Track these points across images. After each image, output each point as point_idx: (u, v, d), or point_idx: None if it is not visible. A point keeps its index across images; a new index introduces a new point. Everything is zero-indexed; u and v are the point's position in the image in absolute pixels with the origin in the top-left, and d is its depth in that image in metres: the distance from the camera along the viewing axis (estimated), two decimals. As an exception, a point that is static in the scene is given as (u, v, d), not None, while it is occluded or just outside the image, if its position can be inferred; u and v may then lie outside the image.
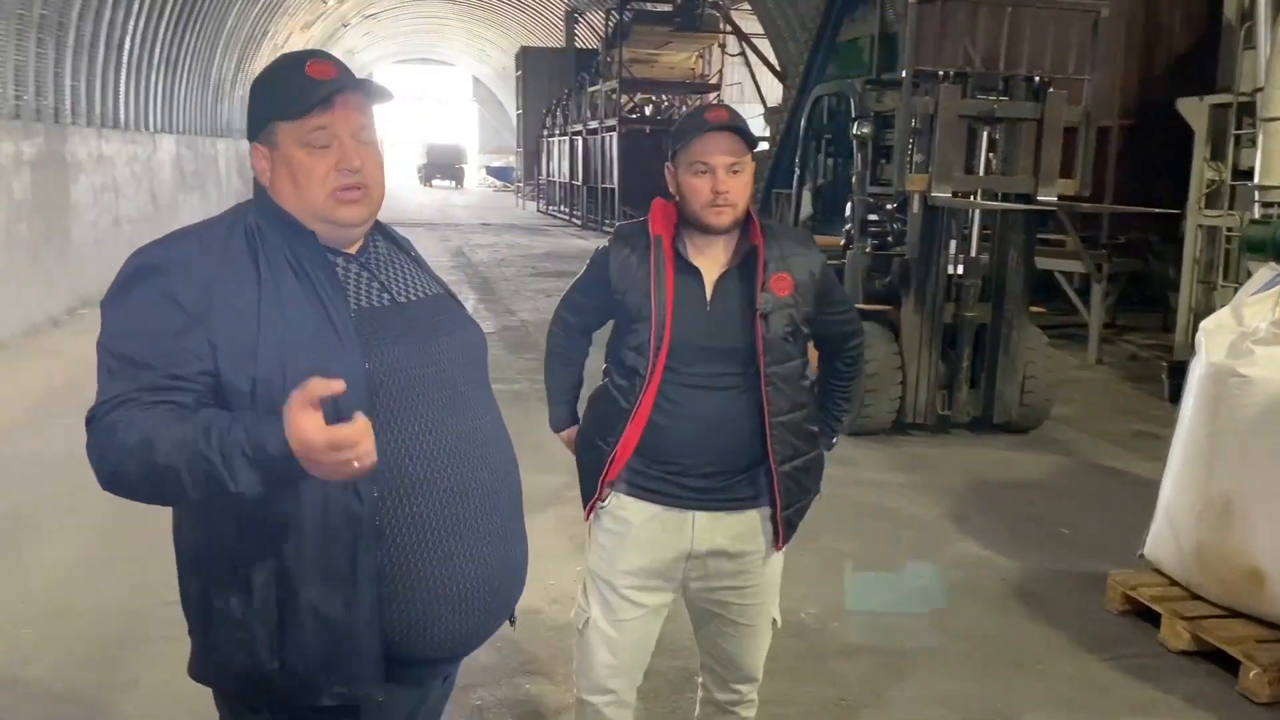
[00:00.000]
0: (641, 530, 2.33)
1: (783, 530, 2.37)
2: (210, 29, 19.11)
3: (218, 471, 1.42)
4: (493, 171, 46.31)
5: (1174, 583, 3.95)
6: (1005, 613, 4.20)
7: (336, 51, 39.01)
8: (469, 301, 11.84)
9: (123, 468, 1.48)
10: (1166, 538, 3.98)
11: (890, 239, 6.94)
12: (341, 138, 1.64)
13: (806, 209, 9.55)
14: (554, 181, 29.13)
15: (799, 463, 2.34)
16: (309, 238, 1.65)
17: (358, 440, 1.40)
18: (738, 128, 2.21)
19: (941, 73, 6.20)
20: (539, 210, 30.19)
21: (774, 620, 2.50)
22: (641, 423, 2.25)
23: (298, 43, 30.86)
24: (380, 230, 1.82)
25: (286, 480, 1.46)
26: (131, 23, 14.12)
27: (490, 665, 3.59)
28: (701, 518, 2.32)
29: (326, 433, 1.39)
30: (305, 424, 1.38)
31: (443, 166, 45.54)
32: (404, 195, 37.00)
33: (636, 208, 24.08)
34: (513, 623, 1.90)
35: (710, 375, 2.26)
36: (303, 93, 1.60)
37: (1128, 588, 4.06)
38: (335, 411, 1.54)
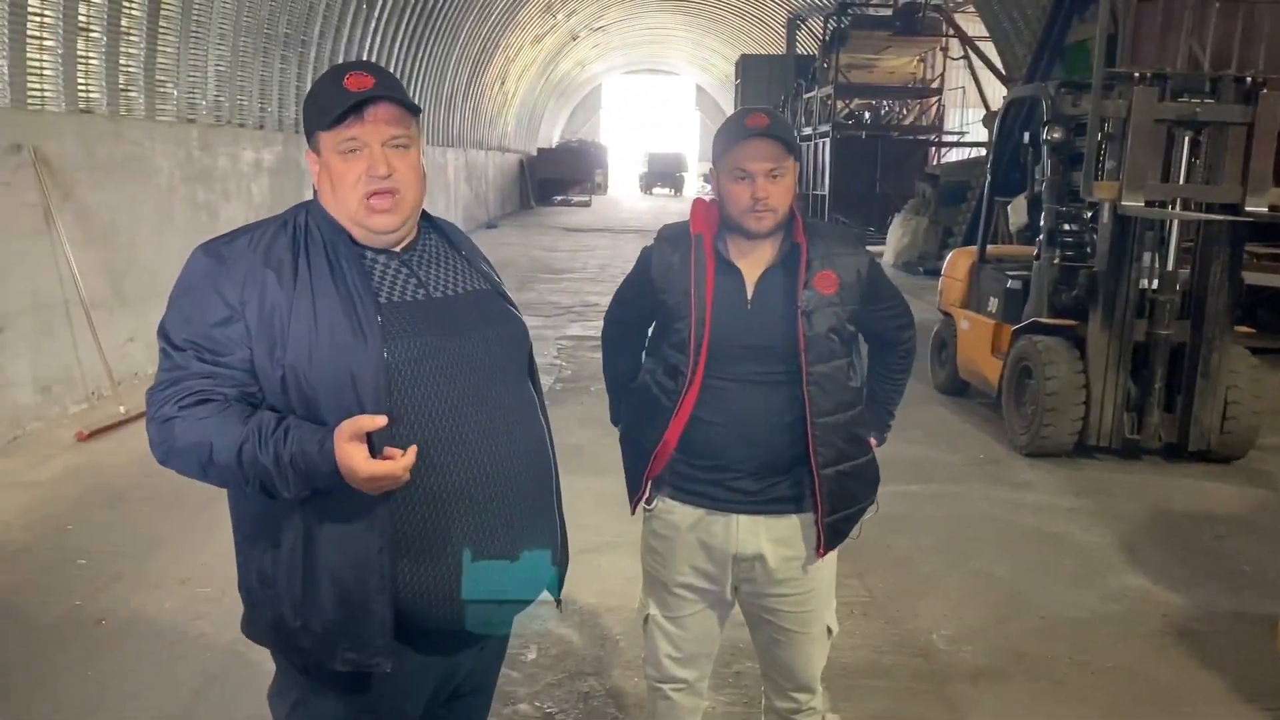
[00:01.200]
0: (688, 534, 2.35)
1: (824, 536, 2.31)
2: (443, 44, 20.29)
3: (270, 478, 1.65)
4: (709, 179, 46.73)
5: (1354, 633, 3.56)
6: (1159, 651, 3.91)
7: (565, 64, 40.62)
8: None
9: (182, 459, 1.72)
10: (1347, 583, 3.59)
11: (1089, 250, 6.58)
12: (372, 146, 1.76)
13: (1020, 218, 9.17)
14: (767, 189, 29.01)
15: (845, 467, 2.29)
16: (345, 236, 1.80)
17: (398, 475, 1.63)
18: (777, 133, 2.20)
19: (1138, 74, 5.81)
20: (752, 218, 30.12)
21: (828, 629, 2.46)
22: (683, 420, 2.27)
23: (528, 56, 32.22)
24: (435, 228, 1.94)
25: (328, 489, 1.67)
26: (369, 40, 15.23)
27: (602, 656, 3.70)
28: (744, 521, 2.31)
29: (370, 466, 1.61)
30: (353, 455, 1.61)
31: (663, 175, 46.43)
32: (622, 203, 38.00)
33: (849, 214, 23.70)
34: (559, 606, 1.99)
35: (752, 373, 2.25)
36: (335, 104, 1.74)
37: (1301, 635, 3.69)
38: (357, 399, 1.68)
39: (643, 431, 2.36)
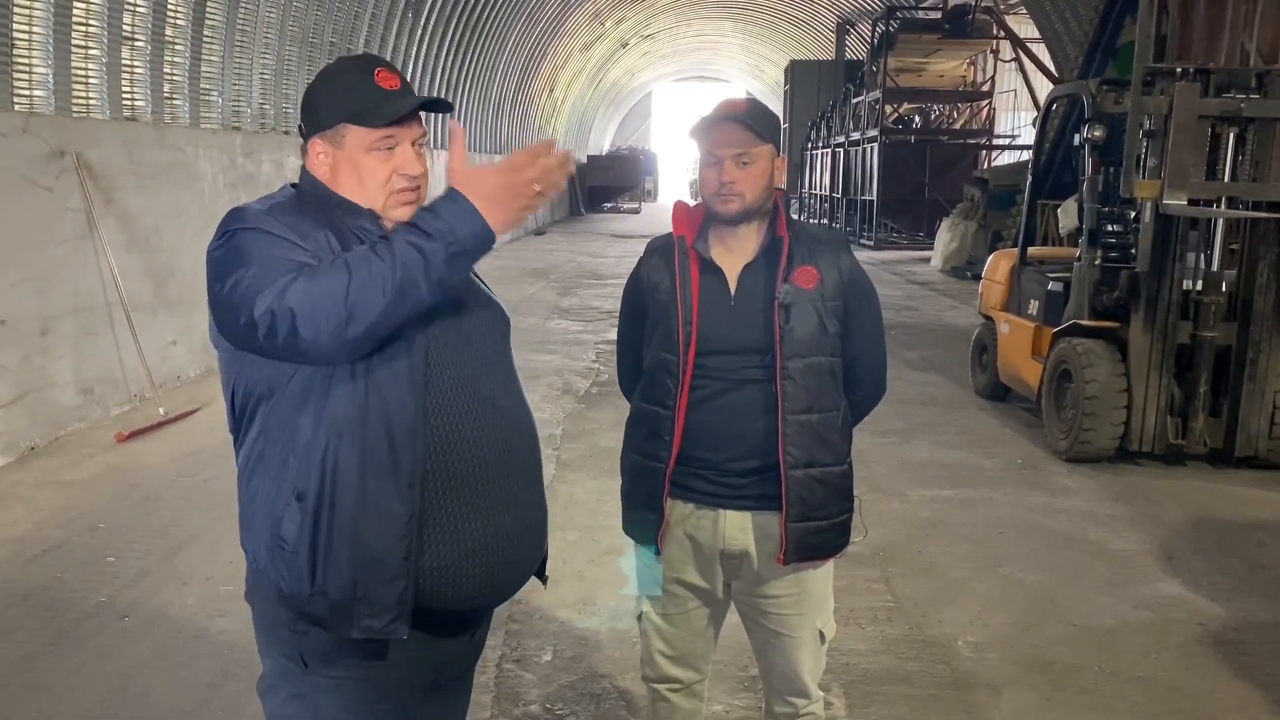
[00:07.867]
0: (677, 528, 2.33)
1: (787, 542, 2.24)
2: (490, 52, 20.44)
3: (418, 255, 1.60)
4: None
5: (1399, 645, 3.42)
6: (1194, 662, 3.79)
7: (615, 72, 40.72)
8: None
9: (339, 302, 1.58)
10: (1391, 593, 3.45)
11: (1131, 251, 6.43)
12: (405, 146, 1.78)
13: (1071, 221, 9.00)
14: (815, 194, 28.95)
15: (816, 473, 2.24)
16: (369, 216, 1.78)
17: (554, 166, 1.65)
18: (747, 119, 2.18)
19: (1180, 70, 5.67)
20: (801, 223, 29.99)
21: (820, 633, 2.39)
22: (683, 422, 2.24)
23: (577, 64, 32.37)
24: None
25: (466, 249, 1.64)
26: (415, 48, 15.39)
27: (618, 659, 3.66)
28: (732, 516, 2.28)
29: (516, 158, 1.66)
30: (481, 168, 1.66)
31: (712, 181, 46.33)
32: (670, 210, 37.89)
33: (896, 219, 23.47)
34: (544, 582, 2.02)
35: (736, 369, 2.23)
36: (380, 104, 1.73)
37: (1342, 646, 3.56)
38: (406, 369, 1.70)
39: (651, 452, 2.30)
